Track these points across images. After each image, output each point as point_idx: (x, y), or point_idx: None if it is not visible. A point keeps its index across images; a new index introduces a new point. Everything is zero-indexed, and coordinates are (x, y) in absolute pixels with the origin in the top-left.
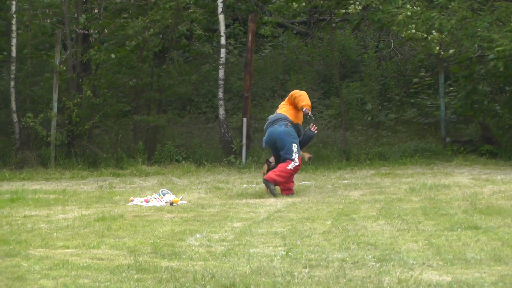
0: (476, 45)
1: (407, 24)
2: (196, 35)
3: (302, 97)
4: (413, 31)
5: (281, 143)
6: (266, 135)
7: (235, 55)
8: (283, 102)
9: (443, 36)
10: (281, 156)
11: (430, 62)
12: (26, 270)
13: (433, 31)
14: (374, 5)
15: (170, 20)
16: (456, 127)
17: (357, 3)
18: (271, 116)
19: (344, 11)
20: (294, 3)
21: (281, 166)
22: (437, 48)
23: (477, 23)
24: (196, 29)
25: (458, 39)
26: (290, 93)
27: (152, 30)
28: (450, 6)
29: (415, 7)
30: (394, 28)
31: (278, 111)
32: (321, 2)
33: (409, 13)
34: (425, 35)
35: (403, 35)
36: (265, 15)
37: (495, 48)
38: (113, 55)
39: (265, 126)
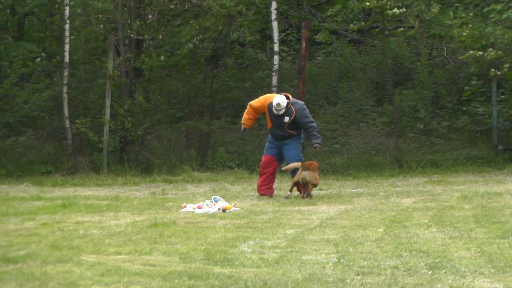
0: None
1: (465, 41)
2: (247, 42)
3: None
4: (471, 52)
5: None
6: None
7: (288, 61)
8: None
9: (499, 52)
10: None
11: (482, 70)
12: (78, 276)
13: (490, 49)
14: (428, 18)
15: (221, 27)
16: (508, 135)
17: (415, 17)
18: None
19: (401, 29)
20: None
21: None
22: (493, 69)
23: None
24: (247, 36)
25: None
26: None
27: (202, 36)
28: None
29: (467, 27)
30: (450, 45)
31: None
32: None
33: (464, 34)
34: (481, 53)
35: (460, 57)
36: (319, 21)
37: None
38: (162, 57)
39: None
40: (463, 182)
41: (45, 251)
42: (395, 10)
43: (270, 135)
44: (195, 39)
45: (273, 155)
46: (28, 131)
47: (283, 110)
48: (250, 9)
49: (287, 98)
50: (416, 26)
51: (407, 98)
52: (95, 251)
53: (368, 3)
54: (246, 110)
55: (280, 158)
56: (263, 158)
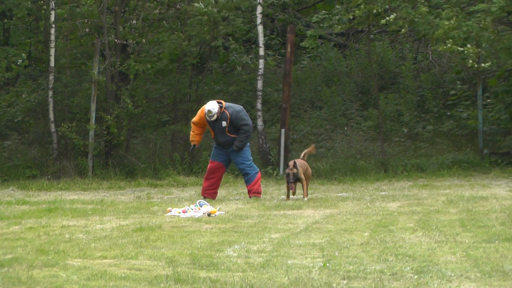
0: None
1: (445, 38)
2: (232, 49)
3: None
4: (449, 45)
5: None
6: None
7: (273, 65)
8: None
9: (479, 50)
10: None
11: (468, 74)
12: (64, 281)
13: (468, 45)
14: (416, 19)
15: (207, 37)
16: (494, 139)
17: (403, 20)
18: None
19: (384, 21)
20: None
21: None
22: (471, 61)
23: None
24: (232, 43)
25: (496, 51)
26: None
27: (188, 42)
28: (483, 23)
29: (451, 22)
30: (433, 47)
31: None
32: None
33: (446, 26)
34: (461, 49)
35: (439, 49)
36: (304, 25)
37: None
38: (149, 65)
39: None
40: (449, 186)
41: (31, 255)
42: (388, 18)
43: (215, 144)
44: (183, 44)
45: (221, 161)
46: (14, 135)
47: (215, 116)
48: (237, 15)
49: (219, 103)
50: (405, 27)
51: (392, 102)
52: (81, 255)
53: (357, 10)
54: (191, 129)
55: (228, 164)
56: (210, 164)
